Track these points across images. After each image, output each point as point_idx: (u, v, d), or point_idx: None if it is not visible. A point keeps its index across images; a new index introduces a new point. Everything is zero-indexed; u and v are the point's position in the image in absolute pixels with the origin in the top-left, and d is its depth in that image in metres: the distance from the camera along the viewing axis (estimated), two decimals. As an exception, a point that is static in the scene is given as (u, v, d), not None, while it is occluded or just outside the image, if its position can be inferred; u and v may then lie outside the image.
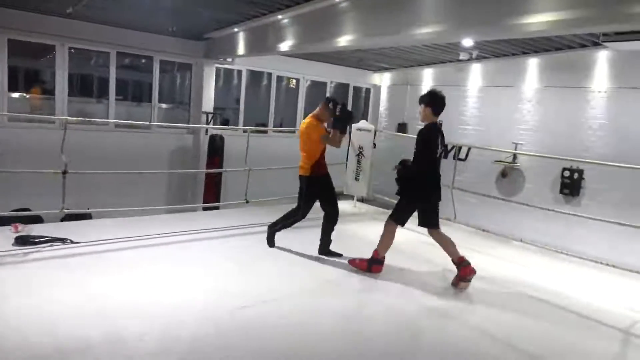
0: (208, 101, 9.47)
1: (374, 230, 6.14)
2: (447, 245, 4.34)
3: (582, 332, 3.76)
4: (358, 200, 7.41)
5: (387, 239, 4.45)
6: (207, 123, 9.32)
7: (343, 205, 7.56)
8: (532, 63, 9.22)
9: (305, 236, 5.23)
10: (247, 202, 6.19)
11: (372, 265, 4.49)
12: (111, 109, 8.72)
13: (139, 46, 8.76)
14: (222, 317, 3.47)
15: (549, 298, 4.35)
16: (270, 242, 5.04)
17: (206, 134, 9.36)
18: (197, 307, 3.61)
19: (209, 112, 9.42)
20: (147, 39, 8.66)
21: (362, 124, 6.97)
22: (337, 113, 4.70)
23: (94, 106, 9.17)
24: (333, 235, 5.01)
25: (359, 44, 6.63)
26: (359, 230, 6.02)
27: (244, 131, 9.38)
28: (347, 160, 7.14)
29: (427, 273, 4.73)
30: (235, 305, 3.63)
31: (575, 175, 8.39)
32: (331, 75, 11.55)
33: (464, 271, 4.26)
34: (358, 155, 6.84)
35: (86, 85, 9.41)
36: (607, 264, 5.16)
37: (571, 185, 8.46)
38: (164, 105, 9.84)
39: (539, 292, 4.49)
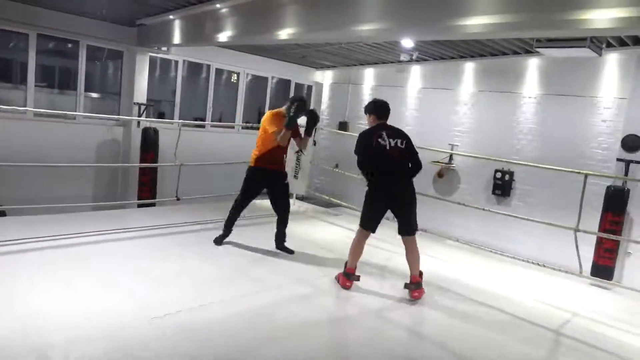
0: (140, 92, 8.92)
1: (314, 230, 6.07)
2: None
3: (513, 332, 3.83)
4: (297, 198, 7.26)
5: (353, 247, 4.28)
6: (140, 115, 8.78)
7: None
8: (469, 67, 9.50)
9: (239, 236, 5.03)
10: (178, 199, 5.84)
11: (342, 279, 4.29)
12: (30, 95, 7.96)
13: (63, 29, 8.05)
14: (141, 328, 3.12)
15: (483, 298, 4.42)
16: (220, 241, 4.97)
17: (138, 127, 8.82)
18: (111, 317, 3.23)
19: (142, 104, 8.88)
20: (73, 21, 7.98)
21: (302, 120, 6.81)
22: (291, 112, 4.71)
23: (10, 92, 8.35)
24: (272, 233, 4.85)
25: (300, 38, 6.47)
26: (299, 229, 5.88)
27: (182, 125, 9.06)
28: (285, 158, 6.96)
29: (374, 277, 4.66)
30: (157, 313, 3.30)
31: (507, 177, 8.73)
32: (273, 70, 11.31)
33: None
34: (297, 152, 6.68)
35: (2, 70, 8.56)
36: (537, 263, 5.34)
37: (502, 186, 8.80)
38: (92, 95, 9.17)
39: (472, 291, 4.55)
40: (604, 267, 6.93)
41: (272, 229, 4.97)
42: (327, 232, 6.10)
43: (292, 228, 5.03)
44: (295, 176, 6.69)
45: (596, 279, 5.56)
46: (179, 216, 5.68)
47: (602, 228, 7.06)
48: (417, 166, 4.21)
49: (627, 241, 6.99)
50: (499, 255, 5.64)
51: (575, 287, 5.20)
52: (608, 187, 7.29)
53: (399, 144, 4.16)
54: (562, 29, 3.73)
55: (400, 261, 4.50)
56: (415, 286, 4.15)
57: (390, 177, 4.16)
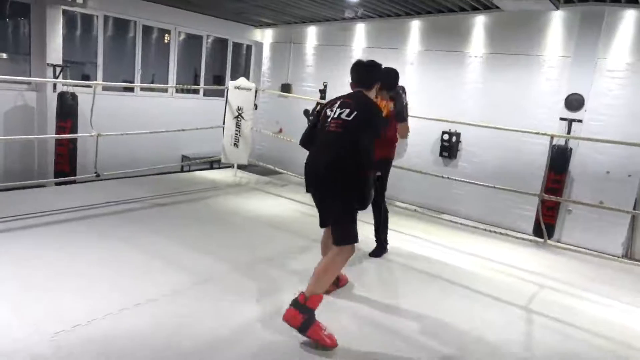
0: (54, 52, 7.85)
1: (257, 204, 5.61)
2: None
3: (466, 301, 3.65)
4: (239, 168, 6.74)
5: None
6: (56, 77, 7.75)
7: (223, 175, 6.91)
8: (415, 25, 9.13)
9: (163, 225, 4.48)
10: (98, 175, 5.12)
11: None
12: None
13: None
14: (37, 347, 2.50)
15: (433, 268, 4.23)
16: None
17: (54, 91, 7.81)
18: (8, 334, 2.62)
19: (57, 65, 7.84)
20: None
21: (241, 81, 6.23)
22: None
23: None
24: (212, 210, 4.33)
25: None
26: (242, 204, 5.40)
27: (104, 88, 8.13)
28: (224, 124, 6.37)
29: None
30: (62, 325, 2.70)
31: (454, 139, 8.61)
32: (208, 28, 10.43)
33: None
34: (237, 117, 6.11)
35: None
36: (500, 232, 5.24)
37: (449, 148, 8.68)
38: (-1, 55, 8.01)
39: (422, 261, 4.35)
40: (546, 225, 7.01)
41: (205, 205, 4.45)
42: (273, 205, 5.65)
43: (236, 202, 4.57)
44: (235, 144, 6.15)
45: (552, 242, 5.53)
46: (99, 195, 4.99)
47: (545, 186, 7.11)
48: (361, 156, 2.94)
49: (566, 201, 7.11)
50: (445, 220, 5.49)
51: (524, 251, 5.16)
52: (552, 147, 7.32)
53: (343, 115, 3.03)
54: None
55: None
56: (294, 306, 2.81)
57: (314, 154, 3.14)
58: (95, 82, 5.87)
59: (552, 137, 5.08)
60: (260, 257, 3.81)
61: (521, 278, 4.20)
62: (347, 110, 3.05)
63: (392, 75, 4.33)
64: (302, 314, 2.75)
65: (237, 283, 3.46)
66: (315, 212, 3.11)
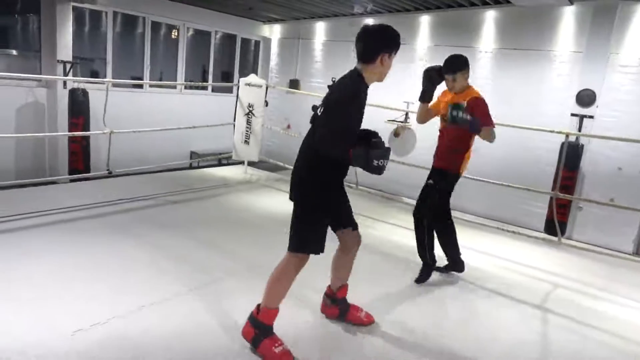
0: (65, 48, 7.87)
1: (268, 201, 5.61)
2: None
3: (480, 300, 3.64)
4: (249, 165, 6.74)
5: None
6: (66, 74, 7.78)
7: (233, 171, 6.92)
8: (424, 20, 9.07)
9: (176, 222, 4.50)
10: (110, 173, 5.14)
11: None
12: None
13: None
14: (58, 345, 2.53)
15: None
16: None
17: (65, 88, 7.84)
18: (20, 333, 2.62)
19: (67, 62, 7.86)
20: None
21: (252, 78, 6.22)
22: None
23: None
24: (223, 208, 4.33)
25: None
26: (253, 201, 5.41)
27: (114, 85, 8.13)
28: (234, 121, 6.37)
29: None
30: (80, 323, 2.72)
31: (463, 135, 8.55)
32: (217, 24, 10.42)
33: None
34: (247, 114, 6.11)
35: None
36: (513, 231, 5.22)
37: (459, 144, 8.63)
38: (8, 52, 8.04)
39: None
40: (558, 223, 6.97)
41: (216, 202, 4.45)
42: (283, 202, 5.65)
43: (247, 199, 4.56)
44: (245, 141, 6.16)
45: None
46: (112, 193, 5.02)
47: (555, 184, 7.07)
48: (317, 144, 2.49)
49: (579, 199, 7.06)
50: (464, 220, 5.48)
51: (537, 250, 5.13)
52: (562, 143, 7.26)
53: (318, 112, 2.64)
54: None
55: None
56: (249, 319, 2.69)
57: (299, 159, 2.74)
58: (107, 79, 5.86)
59: (567, 135, 5.02)
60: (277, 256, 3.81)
61: (535, 277, 4.18)
62: (321, 105, 2.63)
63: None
64: (253, 328, 2.61)
65: (253, 282, 3.44)
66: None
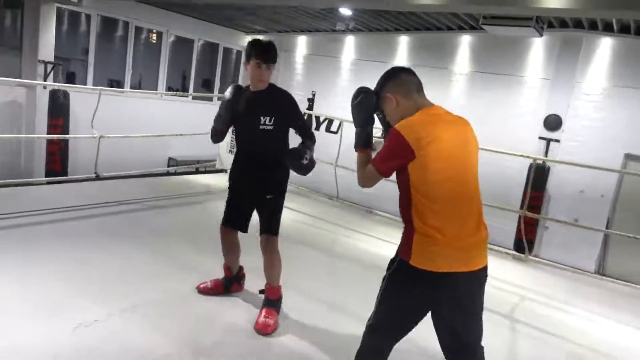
0: (47, 48, 7.83)
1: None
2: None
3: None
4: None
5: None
6: (46, 75, 7.72)
7: (216, 179, 6.98)
8: (403, 40, 9.43)
9: (164, 226, 4.57)
10: (98, 176, 5.18)
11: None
12: None
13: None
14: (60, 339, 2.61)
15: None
16: None
17: (45, 88, 7.77)
18: (19, 328, 2.71)
19: (49, 62, 7.81)
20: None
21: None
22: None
23: None
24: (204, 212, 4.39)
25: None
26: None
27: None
28: (219, 129, 6.49)
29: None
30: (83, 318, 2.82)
31: (437, 152, 8.89)
32: (199, 32, 10.51)
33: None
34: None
35: None
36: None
37: (433, 161, 8.95)
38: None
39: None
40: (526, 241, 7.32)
41: (202, 208, 4.53)
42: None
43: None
44: (230, 150, 6.27)
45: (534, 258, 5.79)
46: (97, 194, 5.05)
47: (523, 203, 7.44)
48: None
49: (545, 219, 7.44)
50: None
51: (505, 264, 5.41)
52: (530, 165, 7.66)
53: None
54: (508, 5, 3.68)
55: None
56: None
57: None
58: (99, 87, 5.90)
59: (534, 160, 5.37)
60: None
61: (504, 289, 4.44)
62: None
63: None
64: (274, 309, 3.13)
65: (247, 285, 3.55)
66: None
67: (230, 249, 3.28)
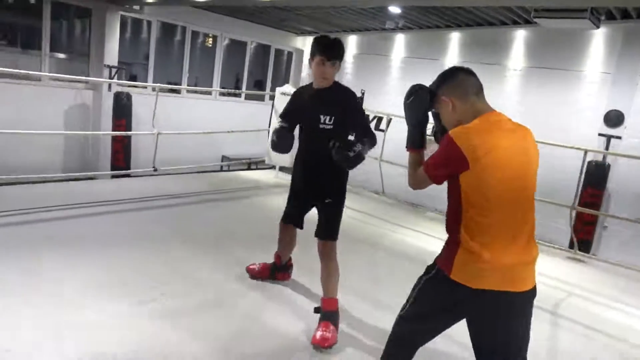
0: (111, 54, 8.38)
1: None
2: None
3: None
4: (280, 170, 7.04)
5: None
6: (111, 78, 8.27)
7: (265, 175, 7.21)
8: (454, 37, 9.29)
9: (215, 219, 4.77)
10: (156, 170, 5.53)
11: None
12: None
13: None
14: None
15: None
16: None
17: (109, 91, 8.34)
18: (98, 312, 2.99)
19: (113, 66, 8.36)
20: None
21: (287, 88, 6.54)
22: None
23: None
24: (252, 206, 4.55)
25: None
26: (279, 202, 5.68)
27: (153, 89, 8.60)
28: (269, 127, 6.70)
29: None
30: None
31: (489, 150, 8.69)
32: (252, 34, 10.85)
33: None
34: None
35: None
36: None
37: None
38: (58, 55, 8.57)
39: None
40: (583, 241, 7.02)
41: (254, 202, 4.69)
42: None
43: (279, 202, 4.79)
44: (278, 146, 6.47)
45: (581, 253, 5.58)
46: (154, 188, 5.38)
47: (582, 202, 7.13)
48: None
49: (599, 214, 7.10)
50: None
51: (557, 262, 5.23)
52: (589, 162, 7.33)
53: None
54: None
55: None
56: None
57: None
58: (158, 84, 6.31)
59: (585, 151, 5.14)
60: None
61: (552, 286, 4.31)
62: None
63: None
64: (330, 322, 2.90)
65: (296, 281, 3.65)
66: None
67: (288, 242, 3.37)
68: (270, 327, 2.99)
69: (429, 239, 5.17)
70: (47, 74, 7.73)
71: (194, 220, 4.67)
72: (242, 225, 4.72)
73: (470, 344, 1.96)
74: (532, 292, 1.87)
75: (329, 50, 2.82)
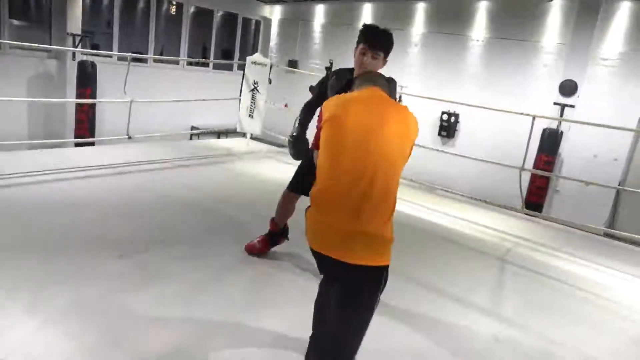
0: (74, 21, 8.17)
1: (268, 167, 6.07)
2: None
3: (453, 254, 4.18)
4: (251, 138, 7.17)
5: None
6: (75, 46, 8.09)
7: (236, 143, 7.31)
8: (420, 7, 9.48)
9: (195, 181, 4.86)
10: (130, 137, 5.59)
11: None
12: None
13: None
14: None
15: (433, 229, 4.72)
16: None
17: (73, 60, 8.16)
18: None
19: (77, 34, 8.17)
20: None
21: (257, 57, 6.61)
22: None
23: None
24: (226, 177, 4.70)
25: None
26: (254, 168, 5.85)
27: (119, 59, 8.48)
28: (240, 96, 6.79)
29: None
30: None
31: (452, 119, 9.05)
32: (218, 3, 10.70)
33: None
34: (252, 90, 6.52)
35: None
36: (485, 200, 5.71)
37: (448, 127, 9.14)
38: (15, 22, 8.28)
39: (425, 223, 4.84)
40: (534, 204, 7.51)
41: (228, 168, 4.83)
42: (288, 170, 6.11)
43: (253, 167, 4.96)
44: (250, 115, 6.57)
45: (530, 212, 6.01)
46: (126, 154, 5.44)
47: (536, 167, 7.60)
48: None
49: (557, 177, 7.59)
50: (443, 191, 5.97)
51: (512, 221, 5.65)
52: (544, 130, 7.77)
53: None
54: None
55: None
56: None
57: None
58: (129, 54, 6.27)
59: (533, 117, 5.48)
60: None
61: (502, 238, 4.74)
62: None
63: None
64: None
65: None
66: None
67: (290, 210, 3.46)
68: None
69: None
70: (8, 41, 7.50)
71: (182, 180, 4.79)
72: (230, 189, 4.87)
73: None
74: (369, 271, 1.79)
75: (372, 40, 2.57)
